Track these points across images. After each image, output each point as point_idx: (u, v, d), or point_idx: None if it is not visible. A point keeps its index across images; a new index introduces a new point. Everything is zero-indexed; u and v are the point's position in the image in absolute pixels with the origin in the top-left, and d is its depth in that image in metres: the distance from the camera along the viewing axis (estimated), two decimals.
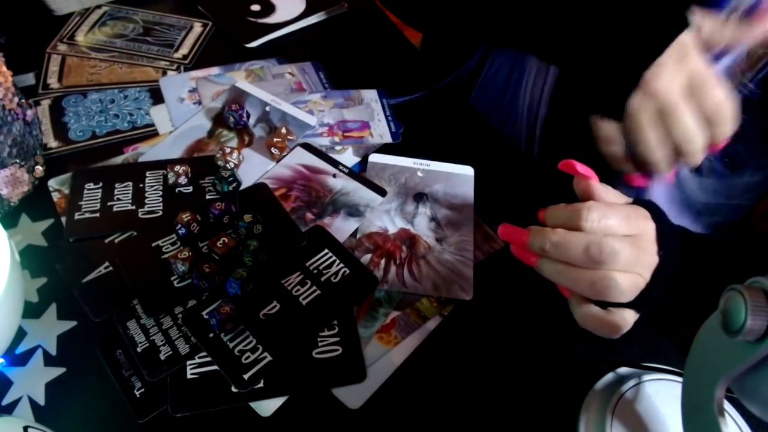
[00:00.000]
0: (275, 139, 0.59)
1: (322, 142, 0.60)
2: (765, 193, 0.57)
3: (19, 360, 0.44)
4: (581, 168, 0.43)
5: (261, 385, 0.43)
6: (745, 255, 0.44)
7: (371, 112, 0.64)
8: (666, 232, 0.41)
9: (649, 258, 0.40)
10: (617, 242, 0.38)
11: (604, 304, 0.40)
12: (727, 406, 0.41)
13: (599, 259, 0.38)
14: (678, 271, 0.41)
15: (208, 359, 0.44)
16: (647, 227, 0.40)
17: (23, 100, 0.54)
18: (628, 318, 0.40)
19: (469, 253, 0.52)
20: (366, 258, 0.51)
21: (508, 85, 0.59)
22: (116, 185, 0.54)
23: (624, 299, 0.39)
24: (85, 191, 0.53)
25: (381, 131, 0.62)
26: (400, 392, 0.44)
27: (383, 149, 0.60)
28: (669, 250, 0.40)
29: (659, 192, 0.53)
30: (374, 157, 0.59)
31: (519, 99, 0.59)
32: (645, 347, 0.48)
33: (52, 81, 0.65)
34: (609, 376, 0.45)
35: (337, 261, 0.50)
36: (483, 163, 0.59)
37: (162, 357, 0.43)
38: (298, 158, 0.58)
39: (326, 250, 0.50)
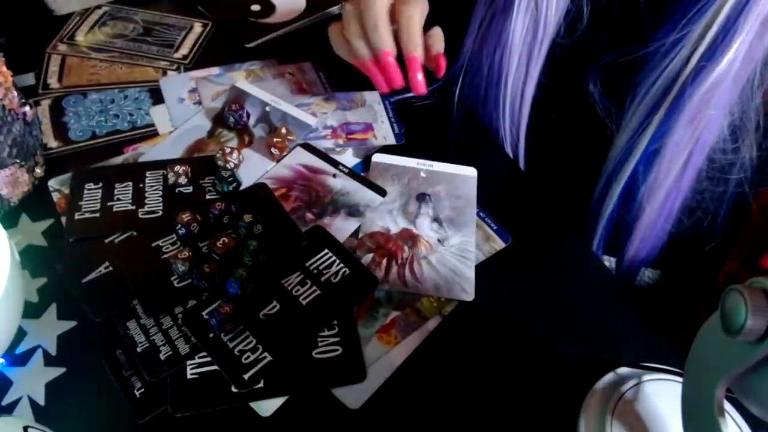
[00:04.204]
0: (275, 139, 0.59)
1: (326, 144, 0.60)
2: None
3: (19, 360, 0.44)
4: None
5: (261, 385, 0.43)
6: None
7: (374, 113, 0.64)
8: None
9: None
10: None
11: None
12: (727, 406, 0.41)
13: None
14: None
15: (208, 359, 0.44)
16: None
17: (23, 100, 0.53)
18: None
19: (470, 254, 0.52)
20: (368, 257, 0.51)
21: (489, 84, 0.60)
22: (116, 185, 0.54)
23: None
24: (85, 191, 0.53)
25: (384, 133, 0.62)
26: (400, 392, 0.44)
27: (386, 149, 0.60)
28: None
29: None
30: (377, 157, 0.59)
31: (500, 99, 0.60)
32: (645, 347, 0.48)
33: (52, 81, 0.65)
34: (609, 376, 0.44)
35: (337, 261, 0.50)
36: (479, 160, 0.59)
37: (162, 357, 0.43)
38: (298, 158, 0.58)
39: (326, 250, 0.50)
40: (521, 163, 0.63)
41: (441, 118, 0.64)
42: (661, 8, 0.50)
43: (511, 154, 0.62)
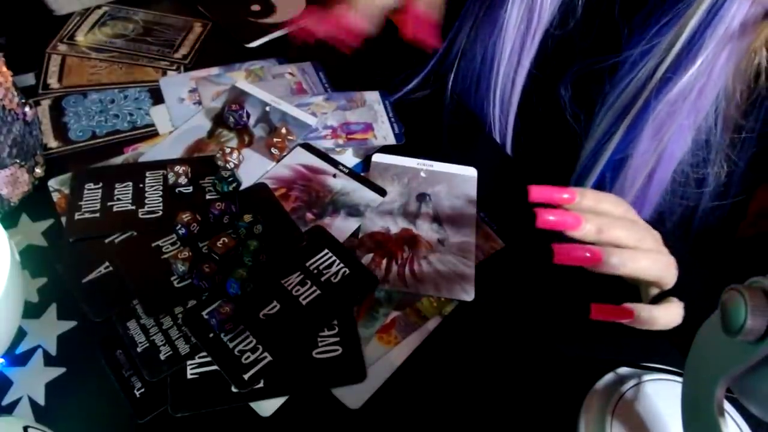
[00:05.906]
0: (275, 140, 0.59)
1: (326, 144, 0.60)
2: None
3: (20, 360, 0.44)
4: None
5: (261, 385, 0.43)
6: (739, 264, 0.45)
7: (374, 113, 0.64)
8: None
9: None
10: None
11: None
12: (727, 406, 0.41)
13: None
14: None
15: (208, 359, 0.43)
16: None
17: (23, 100, 0.53)
18: None
19: (470, 254, 0.52)
20: (368, 257, 0.51)
21: (482, 71, 0.60)
22: (116, 185, 0.54)
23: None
24: (85, 191, 0.53)
25: (384, 133, 0.62)
26: (400, 392, 0.44)
27: (386, 149, 0.60)
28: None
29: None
30: (377, 157, 0.59)
31: (492, 86, 0.60)
32: (645, 347, 0.48)
33: (52, 81, 0.65)
34: (609, 376, 0.45)
35: (337, 261, 0.50)
36: (479, 160, 0.60)
37: (162, 357, 0.43)
38: (298, 158, 0.58)
39: (326, 250, 0.50)
40: (507, 152, 0.64)
41: (438, 110, 0.64)
42: (633, 16, 0.50)
43: (498, 141, 0.63)
